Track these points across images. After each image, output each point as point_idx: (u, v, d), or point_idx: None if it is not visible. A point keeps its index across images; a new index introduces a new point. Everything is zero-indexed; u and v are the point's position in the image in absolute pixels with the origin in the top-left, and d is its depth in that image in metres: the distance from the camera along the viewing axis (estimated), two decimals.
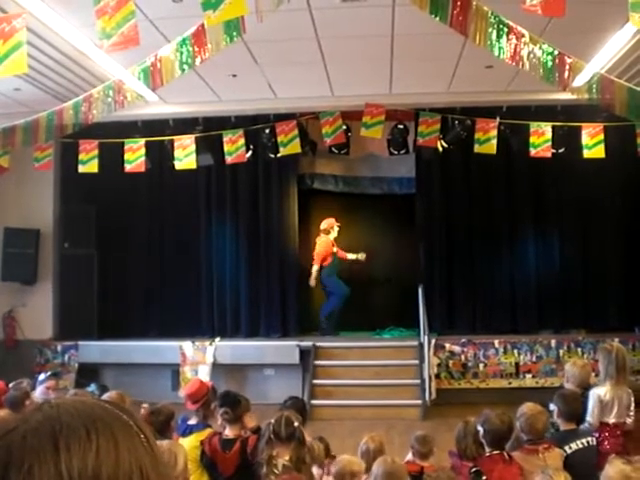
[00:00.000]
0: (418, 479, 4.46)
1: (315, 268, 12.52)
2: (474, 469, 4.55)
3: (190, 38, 6.09)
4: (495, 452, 4.65)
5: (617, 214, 12.16)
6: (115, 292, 12.64)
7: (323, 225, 12.70)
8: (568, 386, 5.92)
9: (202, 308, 12.74)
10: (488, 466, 4.56)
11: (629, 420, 5.55)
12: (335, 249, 12.70)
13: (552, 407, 5.20)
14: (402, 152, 11.85)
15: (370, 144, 12.29)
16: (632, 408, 5.54)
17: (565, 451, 4.83)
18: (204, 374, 10.89)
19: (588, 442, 5.01)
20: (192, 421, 5.38)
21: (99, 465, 0.77)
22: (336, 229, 12.68)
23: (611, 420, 5.46)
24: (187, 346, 11.52)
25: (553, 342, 11.29)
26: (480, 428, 4.74)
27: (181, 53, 6.23)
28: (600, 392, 5.53)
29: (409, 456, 5.16)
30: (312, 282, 12.56)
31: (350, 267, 13.01)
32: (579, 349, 11.13)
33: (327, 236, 12.66)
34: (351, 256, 12.86)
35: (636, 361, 10.81)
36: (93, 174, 10.97)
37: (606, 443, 5.31)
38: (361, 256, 12.85)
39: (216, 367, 11.29)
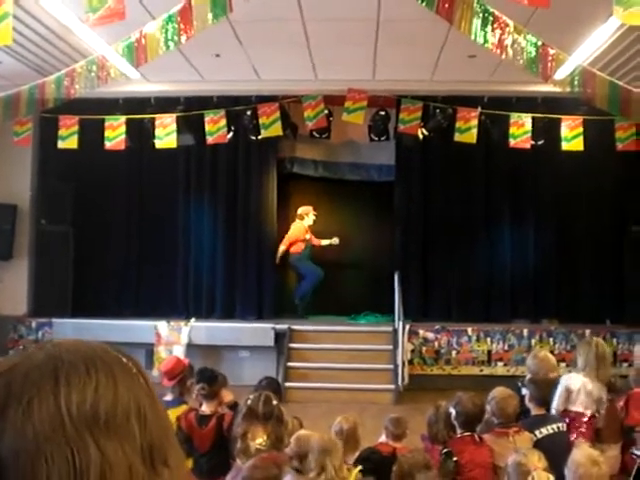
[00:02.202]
0: (391, 460, 4.51)
1: (281, 248, 12.58)
2: (445, 450, 4.63)
3: (176, 15, 6.08)
4: (466, 434, 4.73)
5: (593, 207, 12.29)
6: (91, 270, 12.57)
7: (299, 211, 12.73)
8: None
9: (178, 288, 12.73)
10: (459, 447, 4.64)
11: (600, 417, 5.60)
12: (308, 236, 12.72)
13: (524, 392, 5.29)
14: (383, 139, 11.89)
15: (351, 130, 12.31)
16: (604, 404, 5.60)
17: (535, 435, 4.92)
18: (179, 354, 10.89)
19: (558, 427, 5.10)
20: (168, 397, 5.40)
21: (97, 400, 0.79)
22: (312, 216, 12.70)
23: (576, 409, 5.53)
24: (162, 326, 11.51)
25: (525, 331, 11.43)
26: (452, 410, 4.82)
27: (166, 30, 6.22)
28: (569, 380, 5.62)
29: (382, 438, 5.22)
30: (277, 260, 12.64)
31: (326, 252, 13.04)
32: (551, 339, 11.28)
33: (301, 222, 12.70)
34: (325, 242, 12.90)
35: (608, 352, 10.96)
36: (72, 151, 10.92)
37: (573, 432, 5.39)
38: (334, 241, 12.87)
39: (191, 348, 11.29)
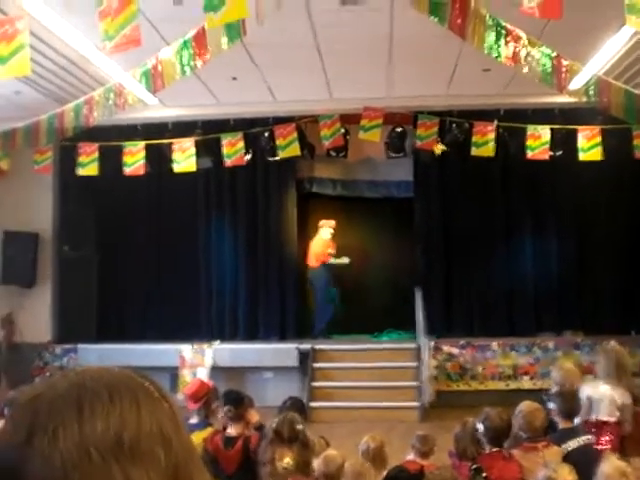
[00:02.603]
0: (419, 478, 4.49)
1: (328, 260, 12.60)
2: (474, 466, 4.58)
3: (191, 40, 6.14)
4: (494, 449, 4.68)
5: (614, 217, 12.20)
6: (114, 295, 12.65)
7: (320, 223, 12.81)
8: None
9: (201, 311, 12.76)
10: (488, 463, 4.59)
11: (626, 424, 5.55)
12: (330, 250, 12.72)
13: (551, 405, 5.24)
14: (400, 155, 11.92)
15: (368, 147, 12.33)
16: (630, 410, 5.55)
17: (564, 449, 4.86)
18: (203, 377, 10.89)
19: (587, 440, 5.04)
20: (193, 420, 5.41)
21: (121, 427, 0.79)
22: (327, 229, 12.71)
23: (601, 418, 5.48)
24: (186, 349, 11.52)
25: (551, 344, 11.34)
26: (480, 426, 4.78)
27: (182, 56, 6.29)
28: (590, 389, 5.57)
29: (410, 456, 5.20)
30: (344, 260, 12.69)
31: (346, 270, 13.02)
32: (577, 351, 11.17)
33: (319, 235, 12.74)
34: (333, 260, 12.80)
35: (633, 364, 10.83)
36: (93, 177, 11.02)
37: (599, 439, 5.33)
38: (343, 261, 12.80)
39: (215, 370, 11.27)
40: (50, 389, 0.83)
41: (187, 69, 6.30)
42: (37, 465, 0.77)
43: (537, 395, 6.16)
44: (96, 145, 10.80)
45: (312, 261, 12.70)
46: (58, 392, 0.82)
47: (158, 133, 11.24)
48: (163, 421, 0.84)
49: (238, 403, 5.19)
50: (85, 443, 0.77)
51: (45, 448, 0.77)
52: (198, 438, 5.14)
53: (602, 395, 5.50)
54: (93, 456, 0.77)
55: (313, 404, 10.56)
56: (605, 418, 5.47)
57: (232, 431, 5.11)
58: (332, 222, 12.80)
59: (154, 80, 6.63)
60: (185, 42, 6.25)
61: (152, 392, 0.87)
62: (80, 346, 11.83)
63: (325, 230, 12.75)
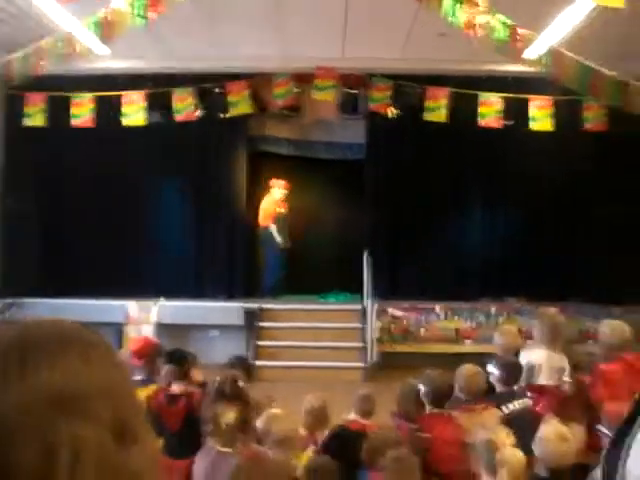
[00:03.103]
0: (361, 437, 4.55)
1: (269, 227, 12.54)
2: (414, 426, 4.67)
3: None
4: (435, 411, 4.78)
5: (560, 187, 12.37)
6: (58, 250, 12.43)
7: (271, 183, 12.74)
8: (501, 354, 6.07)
9: (147, 268, 12.60)
10: (429, 424, 4.69)
11: (565, 386, 5.68)
12: (281, 209, 12.69)
13: (490, 369, 5.35)
14: (353, 117, 11.89)
15: (322, 108, 12.26)
16: (566, 373, 5.69)
17: (502, 412, 4.98)
18: (148, 334, 10.85)
19: (525, 403, 5.17)
20: (137, 377, 5.39)
21: (67, 380, 0.78)
22: (278, 189, 12.66)
23: (540, 382, 5.62)
24: (131, 305, 11.45)
25: (493, 309, 11.56)
26: (422, 387, 4.87)
27: (134, 6, 6.14)
28: (528, 355, 5.69)
29: (351, 415, 5.26)
30: (278, 238, 12.59)
31: (296, 230, 13.02)
32: (518, 316, 11.40)
33: (270, 195, 12.69)
34: (272, 229, 12.77)
35: (573, 330, 11.10)
36: (38, 129, 10.76)
37: (537, 405, 5.47)
38: (277, 238, 12.78)
39: (160, 327, 11.27)
40: None
41: (139, 20, 6.15)
42: None
43: (478, 359, 6.27)
44: (43, 95, 10.53)
45: (263, 221, 12.64)
46: (2, 341, 0.80)
47: (108, 85, 10.99)
48: (111, 375, 0.84)
49: (181, 362, 5.19)
50: (28, 396, 0.76)
51: None
52: (142, 395, 5.13)
53: (539, 359, 5.62)
54: (36, 410, 0.76)
55: (259, 362, 10.63)
56: (543, 382, 5.61)
57: (175, 388, 5.11)
58: (282, 182, 12.73)
59: (105, 30, 6.47)
60: None
61: (99, 345, 0.86)
62: (22, 300, 11.64)
63: (276, 190, 12.68)
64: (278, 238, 12.57)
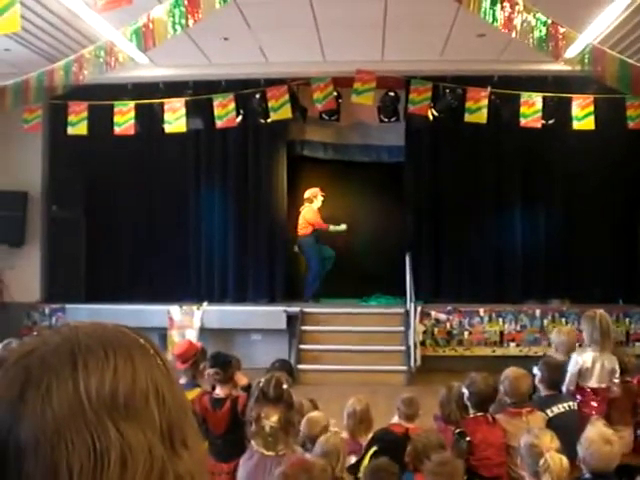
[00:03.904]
0: (404, 440, 4.54)
1: (331, 228, 12.50)
2: (458, 430, 4.65)
3: None
4: (479, 414, 4.75)
5: (604, 187, 12.21)
6: (103, 256, 12.61)
7: (307, 194, 12.67)
8: (556, 355, 6.02)
9: (190, 273, 12.76)
10: (472, 427, 4.66)
11: (614, 387, 5.61)
12: (319, 219, 12.67)
13: (535, 371, 5.30)
14: (392, 120, 11.87)
15: (360, 111, 12.29)
16: (617, 375, 5.61)
17: (547, 414, 4.93)
18: (192, 338, 10.94)
19: (569, 406, 5.12)
20: (181, 380, 5.44)
21: (116, 383, 0.79)
22: (320, 198, 12.65)
23: (591, 385, 5.55)
24: (174, 310, 11.56)
25: (537, 312, 11.42)
26: (465, 390, 4.84)
27: (173, 14, 6.21)
28: (580, 357, 5.62)
29: (395, 419, 5.25)
30: (342, 227, 12.57)
31: (337, 235, 13.04)
32: (563, 319, 11.26)
33: (311, 205, 12.66)
34: (332, 228, 12.78)
35: (620, 332, 10.95)
36: (82, 137, 10.95)
37: (587, 408, 5.41)
38: (341, 227, 12.78)
39: (203, 332, 11.34)
40: (43, 344, 0.83)
41: (178, 28, 6.23)
42: (29, 422, 0.76)
43: (523, 362, 6.22)
44: (86, 104, 10.71)
45: (303, 229, 12.59)
46: (51, 347, 0.82)
47: (149, 93, 11.15)
48: (157, 378, 0.84)
49: (225, 366, 5.22)
50: (79, 399, 0.77)
51: (38, 405, 0.77)
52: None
53: (590, 361, 5.56)
54: (87, 412, 0.77)
55: (301, 366, 10.66)
56: (594, 385, 5.54)
57: (220, 392, 5.15)
58: (318, 190, 12.66)
59: (145, 38, 6.56)
60: (177, 0, 6.17)
61: (147, 349, 0.86)
62: (68, 306, 11.84)
63: (317, 200, 12.62)
64: (337, 227, 12.53)
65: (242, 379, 5.35)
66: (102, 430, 0.77)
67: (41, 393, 0.78)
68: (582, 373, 5.53)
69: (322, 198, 12.62)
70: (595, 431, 3.89)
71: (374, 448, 4.65)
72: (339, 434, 4.56)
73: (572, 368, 5.55)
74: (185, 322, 11.48)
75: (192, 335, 11.07)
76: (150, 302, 11.99)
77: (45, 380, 0.78)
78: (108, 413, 0.78)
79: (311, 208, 12.57)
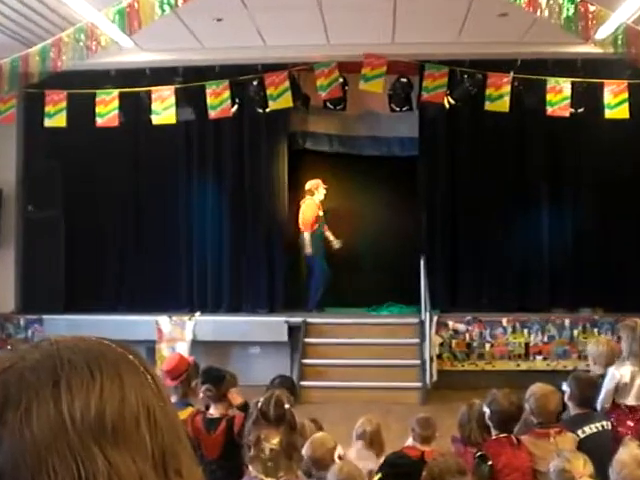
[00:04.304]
0: (420, 465, 4.53)
1: (307, 235, 12.44)
2: (479, 453, 4.64)
3: None
4: (502, 435, 4.73)
5: (639, 183, 12.18)
6: (84, 261, 12.62)
7: (307, 186, 12.66)
8: (595, 368, 5.99)
9: (181, 279, 12.76)
10: (495, 450, 4.64)
11: None
12: (321, 212, 12.69)
13: (564, 387, 5.29)
14: (404, 109, 11.85)
15: (369, 100, 12.30)
16: None
17: (578, 435, 4.92)
18: (183, 352, 10.94)
19: (603, 426, 5.10)
20: (171, 399, 5.43)
21: (103, 405, 0.78)
22: (322, 191, 12.64)
23: (628, 402, 5.54)
24: (164, 321, 11.56)
25: (567, 321, 11.39)
26: (486, 409, 4.82)
27: None
28: (618, 371, 5.60)
29: (409, 441, 5.25)
30: (308, 250, 12.51)
31: (342, 237, 13.03)
32: (595, 329, 11.23)
33: (312, 198, 12.64)
34: (329, 235, 12.76)
35: None
36: (60, 129, 10.95)
37: (622, 427, 5.39)
38: (336, 243, 12.76)
39: (196, 344, 11.34)
40: (21, 360, 0.82)
41: (167, 8, 6.23)
42: (8, 446, 0.76)
43: (550, 377, 6.21)
44: (64, 93, 10.70)
45: (305, 226, 12.60)
46: (29, 364, 0.81)
47: (134, 80, 11.15)
48: (148, 398, 0.83)
49: (219, 381, 5.22)
50: (62, 422, 0.77)
51: (16, 426, 0.76)
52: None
53: (628, 376, 5.54)
54: (71, 437, 0.76)
55: (304, 383, 10.64)
56: (631, 402, 5.52)
57: (214, 412, 5.15)
58: (319, 181, 12.65)
59: (130, 20, 6.57)
60: None
61: (136, 365, 0.86)
62: (46, 317, 11.83)
63: (319, 192, 12.63)
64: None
65: (236, 397, 5.34)
66: (88, 457, 0.76)
67: (20, 414, 0.77)
68: (619, 389, 5.52)
69: (324, 191, 12.61)
70: (628, 453, 3.87)
71: (378, 475, 4.65)
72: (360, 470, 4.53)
73: (609, 383, 5.53)
74: (175, 334, 11.48)
75: (183, 348, 11.07)
76: (136, 312, 12.00)
77: (24, 400, 0.77)
78: (94, 438, 0.77)
79: (312, 202, 12.55)
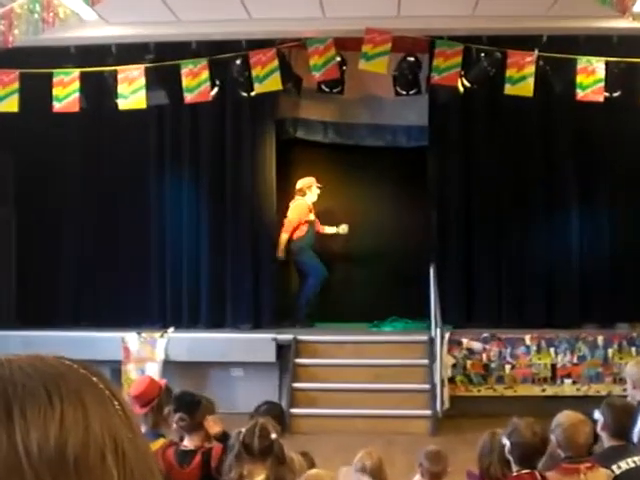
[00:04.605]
0: None
1: (284, 237, 12.60)
2: None
3: None
4: (524, 471, 4.72)
5: None
6: (40, 267, 12.62)
7: (298, 185, 12.73)
8: (634, 393, 6.00)
9: (151, 289, 12.75)
10: None
11: None
12: (312, 216, 12.71)
13: (597, 416, 5.28)
14: (412, 92, 11.87)
15: (371, 82, 12.35)
16: None
17: (612, 471, 4.91)
18: (153, 374, 10.92)
19: None
20: (141, 429, 5.42)
21: (64, 437, 0.77)
22: (315, 190, 12.67)
23: None
24: (131, 338, 11.55)
25: (600, 339, 11.39)
26: (506, 441, 4.81)
27: None
28: None
29: (416, 477, 5.25)
30: (280, 253, 12.67)
31: (337, 240, 13.06)
32: (633, 348, 11.24)
33: (303, 198, 12.69)
34: (329, 230, 12.87)
35: None
36: (12, 114, 10.93)
37: None
38: (342, 229, 12.84)
39: (168, 365, 11.35)
40: None
41: None
42: None
43: (580, 403, 6.22)
44: (16, 73, 10.68)
45: (296, 232, 12.65)
46: None
47: (98, 59, 11.13)
48: (116, 428, 0.82)
49: (193, 408, 5.21)
50: (16, 456, 0.75)
51: None
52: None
53: None
54: (26, 473, 0.75)
55: (294, 410, 10.64)
56: None
57: (188, 443, 5.13)
58: (313, 180, 12.70)
59: None
60: None
61: (101, 389, 0.85)
62: None
63: (312, 193, 12.67)
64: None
65: (213, 426, 5.33)
66: None
67: None
68: None
69: (318, 190, 12.63)
70: None
71: None
72: None
73: None
74: (145, 353, 11.46)
75: (154, 370, 11.06)
76: (100, 328, 12.02)
77: None
78: (53, 474, 0.76)
79: (302, 202, 12.58)
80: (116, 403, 0.85)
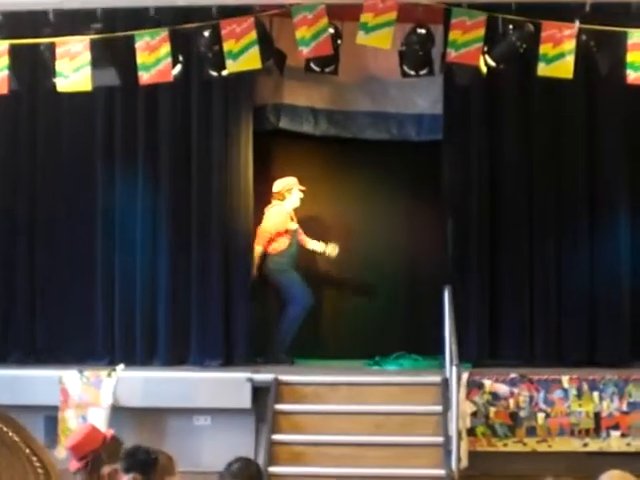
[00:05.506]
0: None
1: (257, 250, 12.71)
2: None
3: None
4: None
5: None
6: None
7: (276, 187, 12.83)
8: None
9: (96, 317, 12.72)
10: None
11: None
12: (294, 225, 12.72)
13: None
14: (423, 73, 11.85)
15: (372, 60, 12.36)
16: None
17: None
18: (98, 422, 10.86)
19: None
20: None
21: None
22: (297, 194, 12.71)
23: None
24: (71, 378, 11.53)
25: None
26: None
27: None
28: None
29: None
30: (254, 270, 12.74)
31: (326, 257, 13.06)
32: None
33: (282, 204, 12.78)
34: (315, 245, 12.88)
35: None
36: None
37: None
38: (331, 249, 12.86)
39: (118, 412, 11.34)
40: None
41: None
42: None
43: (632, 461, 6.20)
44: None
45: (273, 245, 12.66)
46: None
47: (32, 29, 11.16)
48: None
49: (148, 468, 5.16)
50: None
51: None
52: None
53: None
54: None
55: (274, 469, 10.59)
56: None
57: None
58: (295, 181, 12.72)
59: None
60: None
61: (16, 443, 0.86)
62: None
63: (292, 197, 12.70)
64: (322, 247, 12.83)
65: None
66: None
67: None
68: None
69: (301, 194, 12.65)
70: None
71: None
72: None
73: None
74: (87, 397, 11.44)
75: (99, 418, 11.03)
76: (32, 365, 11.96)
77: None
78: None
79: (281, 209, 12.61)
80: (34, 459, 0.87)
